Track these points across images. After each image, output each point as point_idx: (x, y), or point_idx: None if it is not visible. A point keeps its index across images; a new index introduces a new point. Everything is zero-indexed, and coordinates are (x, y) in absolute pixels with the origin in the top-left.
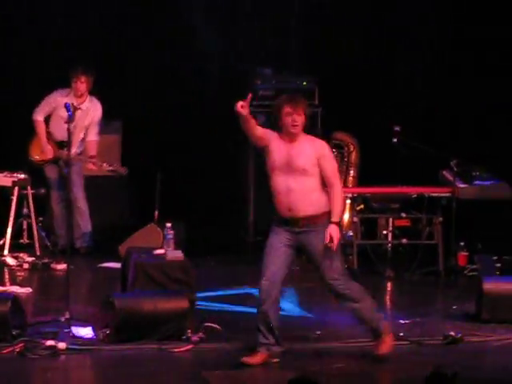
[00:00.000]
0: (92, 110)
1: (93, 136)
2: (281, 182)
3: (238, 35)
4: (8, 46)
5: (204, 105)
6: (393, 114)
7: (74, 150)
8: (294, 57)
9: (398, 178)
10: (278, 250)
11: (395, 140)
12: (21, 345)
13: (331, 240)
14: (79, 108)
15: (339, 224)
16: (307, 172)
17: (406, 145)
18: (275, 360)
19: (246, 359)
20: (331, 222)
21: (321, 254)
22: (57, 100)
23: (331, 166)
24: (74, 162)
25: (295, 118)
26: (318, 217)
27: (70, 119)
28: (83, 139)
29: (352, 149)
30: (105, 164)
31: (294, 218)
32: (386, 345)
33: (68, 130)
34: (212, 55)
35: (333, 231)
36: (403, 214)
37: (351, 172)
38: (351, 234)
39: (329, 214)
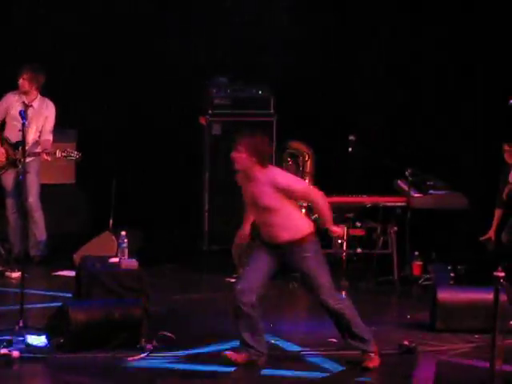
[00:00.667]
0: (44, 108)
1: (47, 135)
2: (255, 216)
3: (194, 45)
4: None
5: (160, 114)
6: (348, 122)
7: (28, 148)
8: (250, 65)
9: (353, 187)
10: (261, 259)
11: (350, 149)
12: None
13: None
14: (30, 105)
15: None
16: (272, 208)
17: (361, 154)
18: (259, 363)
19: (230, 354)
20: (329, 229)
21: (307, 273)
22: (8, 99)
23: (298, 189)
24: (29, 165)
25: (232, 155)
26: (299, 240)
27: (24, 126)
28: (38, 140)
29: (307, 158)
30: (58, 151)
31: (273, 243)
32: (375, 360)
33: (22, 131)
34: (167, 64)
35: (337, 230)
36: (358, 224)
37: (306, 181)
38: None
39: (311, 235)
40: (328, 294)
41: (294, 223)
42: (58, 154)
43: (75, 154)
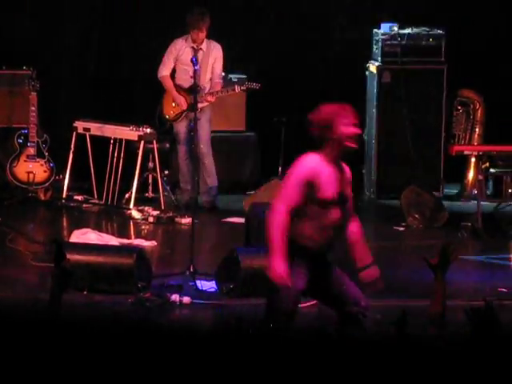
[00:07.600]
0: (212, 49)
1: (217, 78)
2: (335, 213)
3: None
4: None
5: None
6: None
7: (202, 93)
8: (420, 11)
9: None
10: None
11: None
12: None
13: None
14: (200, 49)
15: None
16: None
17: None
18: None
19: None
20: (372, 264)
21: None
22: (177, 45)
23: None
24: (202, 112)
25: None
26: None
27: (196, 72)
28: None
29: (478, 106)
30: (236, 86)
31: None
32: None
33: (194, 78)
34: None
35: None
36: None
37: (476, 130)
38: (475, 192)
39: None
40: None
41: None
42: (237, 89)
43: (255, 85)
